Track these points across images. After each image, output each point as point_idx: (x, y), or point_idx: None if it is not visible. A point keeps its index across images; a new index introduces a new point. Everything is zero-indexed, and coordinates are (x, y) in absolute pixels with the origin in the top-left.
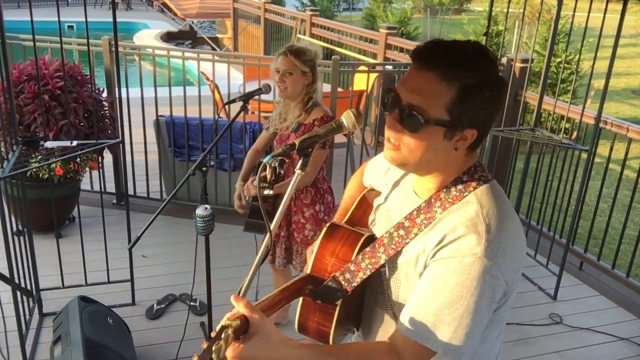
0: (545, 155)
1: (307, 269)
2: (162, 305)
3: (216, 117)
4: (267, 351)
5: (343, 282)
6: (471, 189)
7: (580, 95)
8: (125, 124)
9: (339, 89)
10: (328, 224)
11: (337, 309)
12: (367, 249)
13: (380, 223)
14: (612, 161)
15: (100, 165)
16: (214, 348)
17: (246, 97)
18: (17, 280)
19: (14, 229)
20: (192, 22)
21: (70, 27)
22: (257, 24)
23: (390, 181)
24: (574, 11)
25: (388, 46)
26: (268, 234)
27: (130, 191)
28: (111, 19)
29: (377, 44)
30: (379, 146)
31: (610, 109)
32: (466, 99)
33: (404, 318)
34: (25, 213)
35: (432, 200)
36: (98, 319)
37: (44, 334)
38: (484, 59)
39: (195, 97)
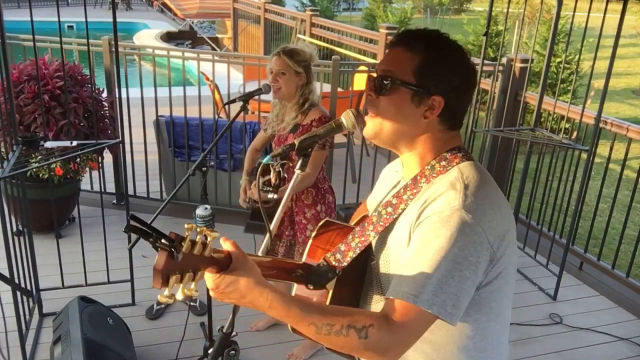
0: (545, 155)
1: (303, 258)
2: (162, 306)
3: (216, 117)
4: (246, 285)
5: (334, 263)
6: (454, 163)
7: (580, 95)
8: (125, 124)
9: (339, 89)
10: (324, 220)
11: (329, 295)
12: (357, 228)
13: (371, 204)
14: (612, 161)
15: (100, 165)
16: (186, 226)
17: (246, 97)
18: (17, 280)
19: (14, 229)
20: (192, 22)
21: (70, 27)
22: (257, 24)
23: (383, 185)
24: (574, 11)
25: (388, 46)
26: (268, 235)
27: (130, 191)
28: (111, 19)
29: (377, 44)
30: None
31: (610, 109)
32: (429, 65)
33: (392, 283)
34: (25, 213)
35: (418, 177)
36: (98, 319)
37: (44, 334)
38: (447, 42)
39: (195, 97)
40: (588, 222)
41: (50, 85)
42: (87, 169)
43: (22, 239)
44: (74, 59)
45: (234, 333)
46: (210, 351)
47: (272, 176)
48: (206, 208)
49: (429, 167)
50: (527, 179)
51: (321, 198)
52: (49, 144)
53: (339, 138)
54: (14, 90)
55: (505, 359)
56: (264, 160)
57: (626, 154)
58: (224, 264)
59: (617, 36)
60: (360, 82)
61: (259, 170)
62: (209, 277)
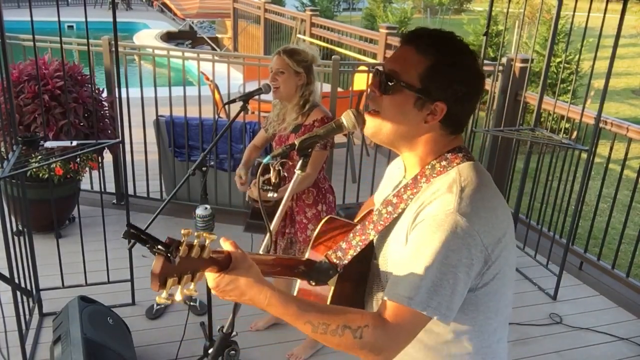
0: (545, 155)
1: (306, 255)
2: (162, 305)
3: (216, 117)
4: (245, 284)
5: (335, 260)
6: (454, 164)
7: (580, 95)
8: (125, 124)
9: (339, 89)
10: (328, 216)
11: (331, 291)
12: (358, 227)
13: (375, 203)
14: (612, 161)
15: (100, 165)
16: (183, 231)
17: (246, 97)
18: (17, 280)
19: (14, 229)
20: (192, 22)
21: (70, 27)
22: (257, 24)
23: (387, 184)
24: (574, 11)
25: (388, 46)
26: (268, 235)
27: (130, 191)
28: (111, 19)
29: (377, 44)
30: (379, 147)
31: (610, 109)
32: (437, 72)
33: (388, 284)
34: (25, 213)
35: (418, 177)
36: (98, 319)
37: (44, 334)
38: (459, 47)
39: (195, 97)
40: (588, 222)
41: (50, 85)
42: (87, 168)
43: (22, 238)
44: (74, 59)
45: (234, 333)
46: (210, 351)
47: (272, 175)
48: (206, 208)
49: (429, 166)
50: (527, 179)
51: (322, 198)
52: (49, 144)
53: (339, 138)
54: (14, 90)
55: (505, 357)
56: (264, 161)
57: (626, 154)
58: (224, 264)
59: (617, 36)
60: (360, 82)
61: (259, 169)
62: (210, 276)
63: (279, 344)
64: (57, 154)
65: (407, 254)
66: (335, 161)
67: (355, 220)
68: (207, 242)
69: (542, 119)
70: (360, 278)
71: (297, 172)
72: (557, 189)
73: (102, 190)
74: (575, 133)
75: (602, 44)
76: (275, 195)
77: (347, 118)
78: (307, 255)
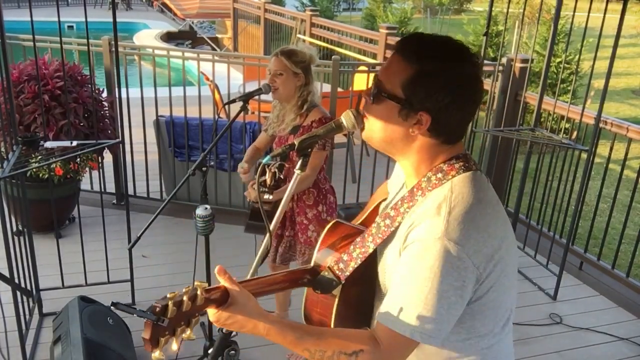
0: (545, 155)
1: (311, 263)
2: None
3: (216, 117)
4: (242, 317)
5: (337, 272)
6: (450, 176)
7: (580, 95)
8: (125, 124)
9: (339, 89)
10: (332, 222)
11: (336, 300)
12: (358, 239)
13: (378, 213)
14: (612, 161)
15: (100, 165)
16: (168, 296)
17: (246, 97)
18: (17, 280)
19: (14, 229)
20: (192, 22)
21: (70, 27)
22: (257, 24)
23: (395, 183)
24: (574, 11)
25: (388, 46)
26: (268, 235)
27: (130, 191)
28: (111, 19)
29: (377, 44)
30: None
31: (610, 109)
32: (419, 82)
33: (381, 306)
34: (25, 213)
35: (415, 189)
36: (98, 319)
37: (44, 334)
38: (449, 53)
39: (195, 97)
40: (588, 222)
41: (50, 85)
42: (87, 169)
43: (22, 239)
44: (74, 59)
45: (234, 333)
46: (210, 351)
47: (268, 177)
48: (206, 208)
49: (425, 179)
50: (527, 179)
51: (322, 198)
52: (49, 144)
53: (339, 138)
54: (14, 90)
55: (510, 352)
56: (264, 161)
57: (626, 154)
58: (222, 300)
59: (617, 36)
60: (360, 82)
61: (258, 170)
62: (210, 312)
63: (279, 344)
64: (57, 154)
65: (399, 277)
66: (335, 161)
67: (363, 217)
68: (199, 290)
69: (542, 119)
70: (367, 283)
71: (297, 171)
72: (557, 189)
73: (102, 190)
74: (575, 133)
75: (602, 44)
76: (271, 197)
77: (346, 118)
78: (312, 262)
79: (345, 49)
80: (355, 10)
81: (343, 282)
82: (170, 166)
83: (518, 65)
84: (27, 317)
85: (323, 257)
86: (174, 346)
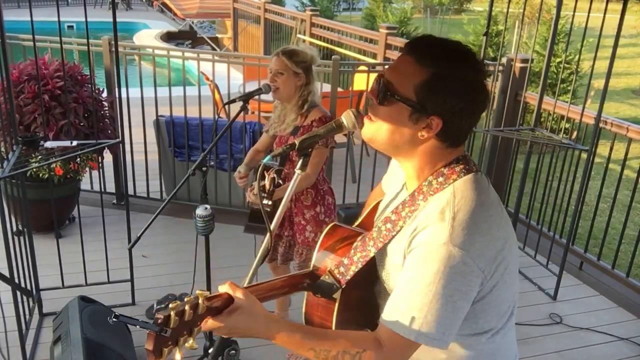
0: (545, 155)
1: (310, 266)
2: (162, 306)
3: (216, 117)
4: (249, 323)
5: (338, 276)
6: (451, 180)
7: (580, 95)
8: (125, 124)
9: (339, 89)
10: (330, 224)
11: (337, 303)
12: (359, 243)
13: (375, 216)
14: (612, 161)
15: (100, 165)
16: (171, 306)
17: (246, 97)
18: (17, 280)
19: (14, 229)
20: (192, 22)
21: (70, 27)
22: (257, 24)
23: (393, 181)
24: (574, 11)
25: (388, 46)
26: (268, 235)
27: (130, 191)
28: (111, 19)
29: (377, 44)
30: None
31: (610, 109)
32: (433, 86)
33: (385, 309)
34: (25, 213)
35: (416, 193)
36: (98, 319)
37: (44, 334)
38: (463, 59)
39: (195, 97)
40: (588, 222)
41: (50, 85)
42: (87, 168)
43: (22, 238)
44: (74, 59)
45: None
46: (210, 351)
47: (267, 182)
48: (206, 208)
49: (426, 183)
50: (527, 179)
51: (320, 199)
52: (49, 144)
53: (339, 138)
54: (14, 90)
55: (513, 346)
56: (264, 161)
57: (626, 154)
58: (224, 307)
59: (617, 36)
60: (360, 82)
61: (258, 172)
62: (212, 323)
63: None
64: (57, 154)
65: (404, 281)
66: (335, 161)
67: (360, 219)
68: (200, 299)
69: (542, 119)
70: (366, 288)
71: (297, 171)
72: (557, 189)
73: (102, 190)
74: (575, 133)
75: (602, 44)
76: (270, 202)
77: (347, 118)
78: (311, 265)
79: (345, 49)
80: (355, 10)
81: (344, 286)
82: (170, 166)
83: (518, 65)
84: (27, 317)
85: (322, 260)
86: (177, 356)
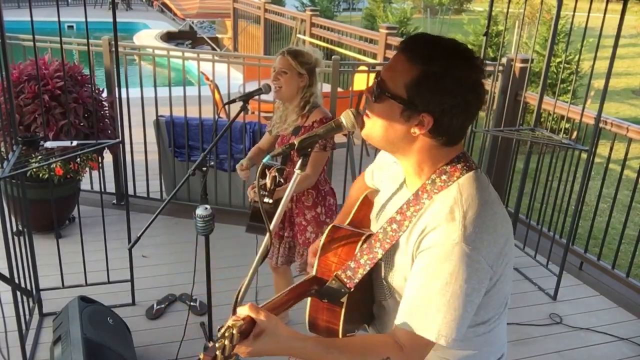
0: (545, 155)
1: (313, 271)
2: (162, 306)
3: (216, 117)
4: (275, 345)
5: (345, 280)
6: (454, 178)
7: (580, 95)
8: (125, 124)
9: (339, 89)
10: (330, 226)
11: (344, 306)
12: (365, 245)
13: (380, 219)
14: (612, 161)
15: (100, 165)
16: (217, 345)
17: (246, 97)
18: (17, 280)
19: (14, 229)
20: (192, 22)
21: (70, 27)
22: (257, 24)
23: (387, 178)
24: (574, 11)
25: (388, 46)
26: (268, 235)
27: (130, 191)
28: (111, 19)
29: (377, 44)
30: None
31: (610, 109)
32: (423, 83)
33: (400, 311)
34: (25, 213)
35: (419, 192)
36: (98, 319)
37: (44, 334)
38: (455, 56)
39: (195, 97)
40: (588, 222)
41: (50, 85)
42: (87, 169)
43: (22, 239)
44: (74, 59)
45: None
46: None
47: (268, 181)
48: (206, 208)
49: (429, 181)
50: (527, 179)
51: (321, 200)
52: (49, 144)
53: (339, 138)
54: (14, 90)
55: (504, 334)
56: (264, 160)
57: (626, 154)
58: (249, 331)
59: (617, 36)
60: (360, 82)
61: (259, 171)
62: (241, 348)
63: None
64: (57, 154)
65: (418, 283)
66: (335, 161)
67: (351, 216)
68: (235, 330)
69: (542, 119)
70: (365, 288)
71: (297, 171)
72: (557, 189)
73: (102, 190)
74: (575, 133)
75: (602, 44)
76: (270, 201)
77: (346, 118)
78: (314, 270)
79: (345, 49)
80: (355, 10)
81: (352, 289)
82: (170, 166)
83: (518, 65)
84: (27, 317)
85: (325, 264)
86: None
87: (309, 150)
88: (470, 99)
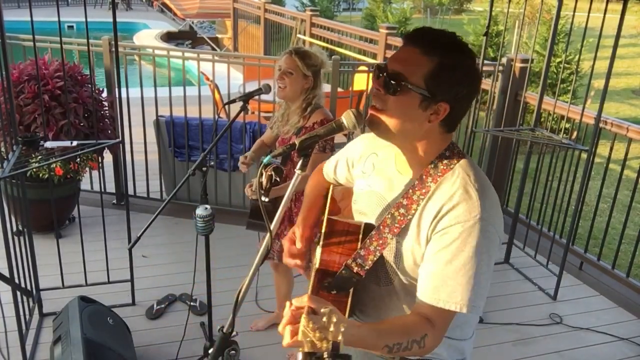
0: (545, 155)
1: (315, 265)
2: (162, 306)
3: (216, 117)
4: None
5: (355, 268)
6: (455, 161)
7: (580, 95)
8: (125, 124)
9: (339, 89)
10: (326, 219)
11: (350, 295)
12: (373, 232)
13: (371, 207)
14: (612, 161)
15: (100, 165)
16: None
17: (246, 97)
18: (17, 280)
19: (14, 229)
20: (192, 22)
21: (70, 27)
22: (257, 24)
23: (367, 169)
24: (574, 11)
25: (388, 46)
26: (268, 234)
27: (130, 191)
28: (111, 19)
29: (377, 44)
30: None
31: (610, 109)
32: (441, 74)
33: (425, 288)
34: (25, 213)
35: (424, 176)
36: (98, 319)
37: (44, 334)
38: (461, 49)
39: (195, 97)
40: (588, 222)
41: (50, 85)
42: (87, 169)
43: (22, 239)
44: (74, 59)
45: (234, 333)
46: (210, 351)
47: (264, 179)
48: (206, 208)
49: (432, 166)
50: (527, 179)
51: None
52: (49, 144)
53: (339, 138)
54: (14, 90)
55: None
56: (265, 160)
57: (626, 154)
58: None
59: (617, 36)
60: (360, 82)
61: (259, 170)
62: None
63: (279, 344)
64: (57, 154)
65: (443, 260)
66: None
67: (327, 210)
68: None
69: (542, 119)
70: (368, 277)
71: (297, 171)
72: (557, 189)
73: (102, 190)
74: (575, 133)
75: (602, 44)
76: (266, 199)
77: (347, 118)
78: (317, 264)
79: (345, 49)
80: (355, 10)
81: (363, 277)
82: (170, 166)
83: (518, 65)
84: (27, 317)
85: (330, 256)
86: None
87: (310, 150)
88: (476, 87)
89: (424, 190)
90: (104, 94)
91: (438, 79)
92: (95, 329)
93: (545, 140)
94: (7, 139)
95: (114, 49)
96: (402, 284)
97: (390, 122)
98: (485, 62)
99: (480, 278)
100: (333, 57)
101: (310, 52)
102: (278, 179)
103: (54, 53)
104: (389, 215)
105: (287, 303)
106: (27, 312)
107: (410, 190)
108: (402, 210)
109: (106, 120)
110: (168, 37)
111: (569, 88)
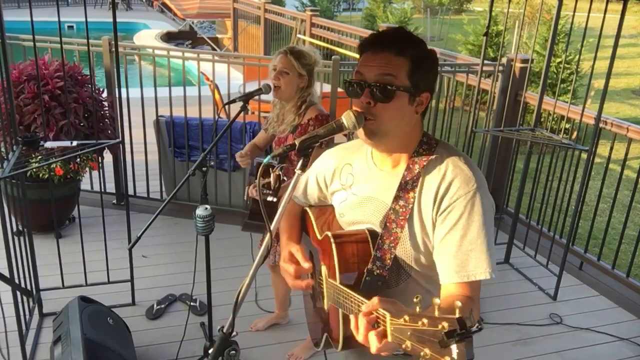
0: (545, 155)
1: (337, 282)
2: (162, 306)
3: (216, 117)
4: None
5: (377, 270)
6: (434, 144)
7: (580, 95)
8: (125, 124)
9: (339, 89)
10: (331, 235)
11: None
12: (382, 231)
13: (369, 213)
14: (612, 161)
15: (100, 165)
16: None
17: (246, 97)
18: (17, 280)
19: (14, 229)
20: (192, 22)
21: (70, 27)
22: (257, 24)
23: (347, 180)
24: (574, 11)
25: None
26: (268, 235)
27: (130, 191)
28: (111, 19)
29: None
30: None
31: (610, 109)
32: (419, 66)
33: (450, 271)
34: (25, 213)
35: (410, 166)
36: (98, 319)
37: (44, 334)
38: (417, 38)
39: (195, 97)
40: (588, 222)
41: (50, 85)
42: (87, 169)
43: (22, 239)
44: (74, 59)
45: (234, 333)
46: (210, 351)
47: (272, 179)
48: (206, 208)
49: (415, 153)
50: (527, 179)
51: None
52: (49, 144)
53: (339, 138)
54: (14, 90)
55: None
56: (264, 161)
57: (626, 154)
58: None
59: (617, 36)
60: None
61: (260, 171)
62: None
63: (279, 344)
64: (57, 154)
65: (457, 236)
66: None
67: (315, 228)
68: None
69: (542, 119)
70: (390, 273)
71: (297, 172)
72: (557, 189)
73: (102, 190)
74: (575, 133)
75: (602, 44)
76: (275, 199)
77: (347, 118)
78: (338, 279)
79: (345, 49)
80: (355, 10)
81: (387, 277)
82: (170, 166)
83: (518, 65)
84: (27, 317)
85: (349, 268)
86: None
87: (310, 150)
88: (437, 65)
89: (414, 177)
90: (104, 94)
91: (418, 72)
92: (95, 329)
93: (545, 141)
94: (7, 139)
95: (114, 49)
96: (420, 274)
97: (388, 126)
98: (485, 62)
99: (490, 241)
100: (333, 57)
101: (304, 51)
102: (285, 178)
103: (54, 53)
104: (392, 212)
105: (353, 317)
106: (27, 312)
107: (403, 182)
108: (401, 202)
109: (106, 120)
110: (168, 37)
111: (569, 88)
